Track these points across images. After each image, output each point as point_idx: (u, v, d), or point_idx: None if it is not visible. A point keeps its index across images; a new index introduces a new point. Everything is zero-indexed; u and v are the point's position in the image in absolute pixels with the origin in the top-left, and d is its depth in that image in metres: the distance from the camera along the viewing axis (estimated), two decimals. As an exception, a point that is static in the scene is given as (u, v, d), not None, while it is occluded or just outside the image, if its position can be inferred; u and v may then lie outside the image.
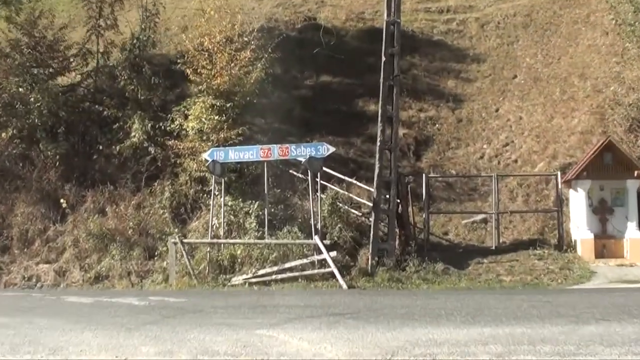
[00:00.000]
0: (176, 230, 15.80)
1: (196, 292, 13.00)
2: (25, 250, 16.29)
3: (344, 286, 12.98)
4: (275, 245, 14.40)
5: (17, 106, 17.87)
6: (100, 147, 17.95)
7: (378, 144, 14.76)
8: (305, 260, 13.94)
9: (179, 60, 17.82)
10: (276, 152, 15.03)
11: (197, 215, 16.57)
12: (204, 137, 16.41)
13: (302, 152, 14.86)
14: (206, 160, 15.07)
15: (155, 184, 17.04)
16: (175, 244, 14.53)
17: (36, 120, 17.68)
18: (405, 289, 12.93)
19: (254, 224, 15.20)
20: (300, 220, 15.42)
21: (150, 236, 16.00)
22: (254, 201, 15.62)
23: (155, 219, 16.32)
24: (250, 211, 15.46)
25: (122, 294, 12.83)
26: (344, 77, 21.03)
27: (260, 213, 15.25)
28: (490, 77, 20.38)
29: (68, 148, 17.86)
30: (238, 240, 14.90)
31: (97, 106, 19.04)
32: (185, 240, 14.76)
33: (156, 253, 15.57)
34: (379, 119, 14.86)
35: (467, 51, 21.43)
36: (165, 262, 15.01)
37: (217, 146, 15.63)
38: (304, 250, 14.39)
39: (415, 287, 13.07)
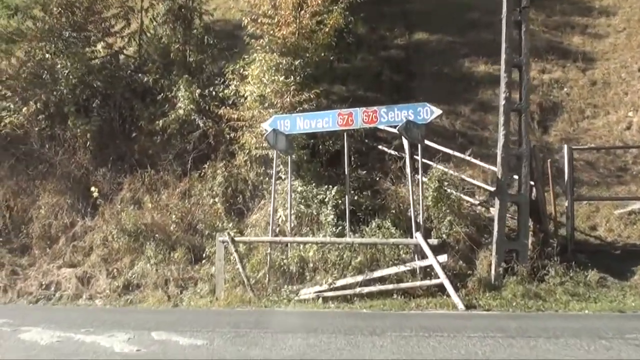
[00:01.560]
0: (230, 225, 13.38)
1: (248, 313, 10.22)
2: (48, 250, 14.41)
3: (460, 305, 9.88)
4: (360, 246, 11.50)
5: (43, 76, 16.27)
6: (142, 124, 15.88)
7: (502, 102, 11.43)
8: (402, 268, 10.94)
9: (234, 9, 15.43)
10: (360, 118, 12.04)
11: (258, 206, 14.01)
12: (266, 104, 13.81)
13: (395, 116, 11.76)
14: (266, 132, 12.36)
15: (206, 166, 14.74)
16: (224, 243, 11.88)
17: (65, 92, 15.97)
18: (549, 310, 9.82)
19: (332, 216, 12.41)
20: (394, 211, 12.54)
21: (198, 233, 13.72)
22: (331, 186, 12.83)
23: (205, 210, 14.04)
24: (327, 199, 12.65)
25: (135, 318, 10.28)
26: (443, 35, 18.55)
27: (340, 202, 12.46)
28: (625, 31, 17.64)
29: (102, 124, 15.94)
30: (310, 239, 12.07)
31: (139, 75, 17.13)
32: (237, 239, 12.07)
33: (204, 255, 13.10)
34: (502, 66, 11.55)
35: (592, 3, 18.92)
36: (213, 268, 12.42)
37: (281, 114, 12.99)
38: (401, 252, 11.44)
39: (563, 307, 9.96)
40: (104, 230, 14.19)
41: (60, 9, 16.73)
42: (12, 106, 16.28)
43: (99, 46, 17.42)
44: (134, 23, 17.88)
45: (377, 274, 10.99)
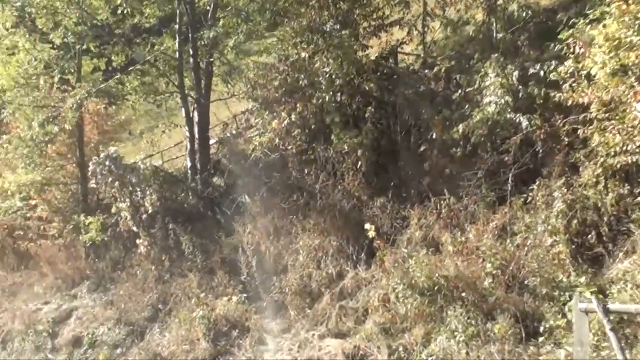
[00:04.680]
0: (582, 279, 10.11)
1: None
2: (307, 311, 12.80)
3: None
4: None
5: (299, 81, 15.20)
6: (432, 134, 13.58)
7: None
8: None
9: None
10: None
11: (624, 248, 10.50)
12: (632, 79, 10.30)
13: None
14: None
15: (534, 187, 11.60)
16: (586, 312, 8.36)
17: (326, 98, 14.57)
18: None
19: None
20: None
21: (528, 292, 10.57)
22: None
23: (537, 256, 10.87)
24: None
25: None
26: None
27: None
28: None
29: (377, 138, 14.16)
30: None
31: (425, 71, 15.54)
32: (613, 307, 8.44)
33: (541, 329, 9.95)
34: None
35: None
36: (561, 351, 9.30)
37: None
38: None
39: None
40: (383, 285, 11.99)
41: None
42: (259, 121, 15.58)
43: (371, 41, 16.28)
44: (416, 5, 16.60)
45: None
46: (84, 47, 20.37)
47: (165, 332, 14.60)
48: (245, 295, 13.90)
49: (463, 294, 10.88)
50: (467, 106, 13.40)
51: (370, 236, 12.62)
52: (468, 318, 10.55)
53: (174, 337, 13.94)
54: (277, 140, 15.13)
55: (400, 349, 10.95)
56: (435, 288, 11.07)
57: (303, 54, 15.36)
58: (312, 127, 14.92)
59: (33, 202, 20.89)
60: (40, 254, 20.17)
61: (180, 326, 14.00)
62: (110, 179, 16.05)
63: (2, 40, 19.01)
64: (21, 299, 19.50)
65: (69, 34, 19.47)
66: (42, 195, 20.52)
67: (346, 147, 14.01)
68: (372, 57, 15.74)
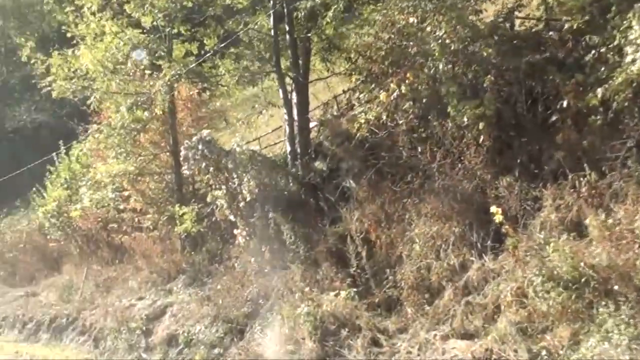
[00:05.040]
0: None
1: None
2: (426, 308, 11.47)
3: None
4: None
5: (408, 48, 13.92)
6: (564, 102, 12.01)
7: None
8: None
9: None
10: None
11: None
12: None
13: None
14: None
15: None
16: None
17: (440, 67, 13.22)
18: None
19: None
20: None
21: None
22: None
23: None
24: None
25: None
26: None
27: None
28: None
29: (500, 110, 12.63)
30: None
31: (550, 33, 13.83)
32: None
33: None
34: None
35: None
36: None
37: None
38: None
39: None
40: (517, 277, 10.49)
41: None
42: (364, 96, 14.57)
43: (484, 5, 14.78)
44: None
45: None
46: (175, 30, 19.91)
47: (267, 331, 13.54)
48: (354, 289, 12.69)
49: (615, 287, 9.33)
50: (602, 69, 11.77)
51: (497, 221, 11.16)
52: (624, 316, 8.97)
53: (277, 336, 12.89)
54: (384, 117, 13.97)
55: (543, 352, 9.44)
56: (582, 280, 9.56)
57: (411, 19, 14.05)
58: (425, 100, 13.57)
59: (126, 194, 20.62)
60: (135, 247, 19.92)
61: (284, 324, 12.90)
62: (204, 164, 15.10)
63: (88, 25, 18.61)
64: (115, 294, 19.25)
65: (159, 16, 18.99)
66: (135, 186, 20.18)
67: (465, 120, 12.58)
68: (488, 20, 14.29)
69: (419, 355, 10.64)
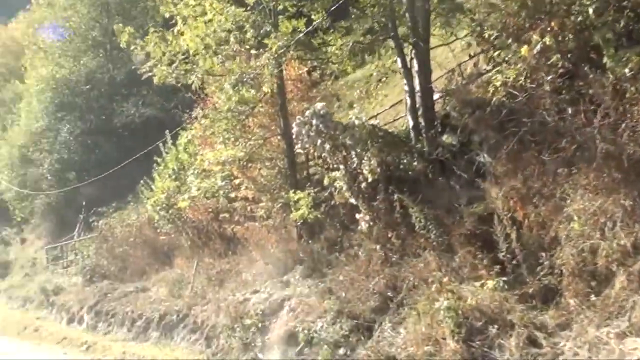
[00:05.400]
0: None
1: None
2: (593, 298, 9.78)
3: None
4: None
5: None
6: None
7: None
8: None
9: None
10: None
11: None
12: None
13: None
14: None
15: None
16: None
17: (589, 11, 11.37)
18: None
19: None
20: None
21: None
22: None
23: None
24: None
25: None
26: None
27: None
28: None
29: None
30: None
31: None
32: None
33: None
34: None
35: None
36: None
37: None
38: None
39: None
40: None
41: None
42: (499, 56, 12.85)
43: None
44: None
45: None
46: (280, 6, 18.89)
47: (399, 328, 12.10)
48: (503, 278, 11.11)
49: None
50: None
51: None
52: None
53: (412, 335, 11.42)
54: (522, 79, 12.31)
55: None
56: None
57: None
58: (572, 53, 11.81)
59: (237, 182, 19.81)
60: (248, 238, 18.99)
61: (419, 320, 11.42)
62: (319, 141, 13.91)
63: (187, 3, 17.82)
64: (228, 288, 18.40)
65: (263, -8, 18.05)
66: (246, 173, 19.32)
67: (627, 71, 10.74)
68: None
69: (590, 358, 8.99)
